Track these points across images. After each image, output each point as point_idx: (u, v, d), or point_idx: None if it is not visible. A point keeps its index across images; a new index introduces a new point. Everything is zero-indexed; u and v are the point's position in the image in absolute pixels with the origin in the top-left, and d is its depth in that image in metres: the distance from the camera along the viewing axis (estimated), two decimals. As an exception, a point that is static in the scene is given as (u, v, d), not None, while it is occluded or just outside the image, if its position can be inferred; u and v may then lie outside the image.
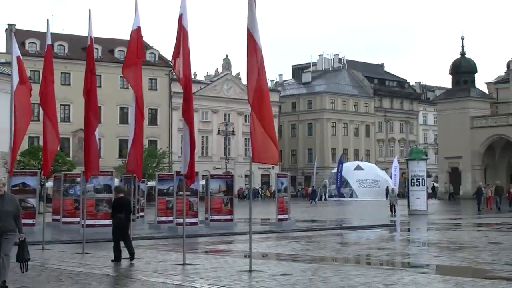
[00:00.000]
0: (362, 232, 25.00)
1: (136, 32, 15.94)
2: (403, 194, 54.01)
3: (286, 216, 26.67)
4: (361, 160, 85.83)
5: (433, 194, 65.91)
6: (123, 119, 67.76)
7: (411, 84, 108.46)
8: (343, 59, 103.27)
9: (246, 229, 15.33)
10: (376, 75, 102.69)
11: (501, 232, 24.11)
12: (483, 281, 11.55)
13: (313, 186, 71.28)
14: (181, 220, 16.75)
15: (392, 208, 36.29)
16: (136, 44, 15.89)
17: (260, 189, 79.90)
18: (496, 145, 66.35)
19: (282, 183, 27.17)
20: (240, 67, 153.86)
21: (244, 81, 66.61)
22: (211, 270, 13.06)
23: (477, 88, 70.63)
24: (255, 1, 12.95)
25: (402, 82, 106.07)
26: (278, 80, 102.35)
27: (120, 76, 70.28)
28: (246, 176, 75.79)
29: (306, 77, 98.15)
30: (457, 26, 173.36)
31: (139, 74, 16.16)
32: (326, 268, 13.63)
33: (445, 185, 70.07)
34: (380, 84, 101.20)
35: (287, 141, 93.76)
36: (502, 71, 75.61)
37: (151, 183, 41.27)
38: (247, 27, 12.98)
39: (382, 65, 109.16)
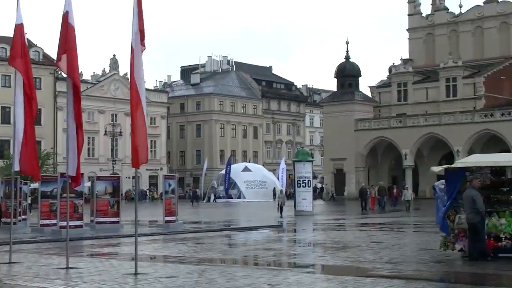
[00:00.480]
0: (250, 233, 25.21)
1: (19, 28, 15.31)
2: (290, 195, 54.89)
3: (173, 218, 26.49)
4: (249, 162, 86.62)
5: (318, 195, 67.44)
6: (5, 119, 65.41)
7: (298, 86, 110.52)
8: (232, 61, 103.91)
9: (132, 232, 15.11)
10: (264, 77, 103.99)
11: (383, 231, 24.94)
12: (365, 279, 11.89)
13: (195, 188, 71.54)
14: (65, 223, 16.30)
15: (281, 209, 36.78)
16: (20, 39, 15.23)
17: (148, 191, 79.10)
18: (378, 147, 68.65)
19: (169, 185, 26.97)
20: (128, 67, 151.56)
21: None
22: (95, 274, 12.77)
23: (361, 92, 72.84)
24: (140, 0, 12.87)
25: (289, 85, 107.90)
26: (166, 81, 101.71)
27: (3, 75, 67.70)
28: (133, 177, 74.82)
29: (195, 78, 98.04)
30: (342, 31, 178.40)
31: (29, 67, 15.36)
32: (213, 269, 13.64)
33: (326, 186, 71.98)
34: (268, 86, 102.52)
35: (175, 142, 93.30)
36: (384, 75, 78.46)
37: (35, 185, 39.99)
38: (132, 27, 12.87)
39: (270, 68, 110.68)
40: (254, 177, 73.32)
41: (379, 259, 15.12)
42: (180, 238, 22.37)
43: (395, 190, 47.38)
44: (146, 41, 13.03)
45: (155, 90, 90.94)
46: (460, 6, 76.43)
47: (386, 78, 76.12)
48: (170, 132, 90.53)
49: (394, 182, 65.29)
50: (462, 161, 17.68)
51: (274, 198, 66.88)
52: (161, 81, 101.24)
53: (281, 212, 36.50)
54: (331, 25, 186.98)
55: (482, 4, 72.14)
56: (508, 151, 56.29)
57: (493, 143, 60.27)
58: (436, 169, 16.68)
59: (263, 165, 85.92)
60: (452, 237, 15.58)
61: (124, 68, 79.80)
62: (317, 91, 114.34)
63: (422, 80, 70.89)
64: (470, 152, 58.87)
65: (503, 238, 14.83)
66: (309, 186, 38.66)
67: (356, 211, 41.74)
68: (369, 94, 74.16)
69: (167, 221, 26.10)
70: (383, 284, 11.31)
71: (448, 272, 13.54)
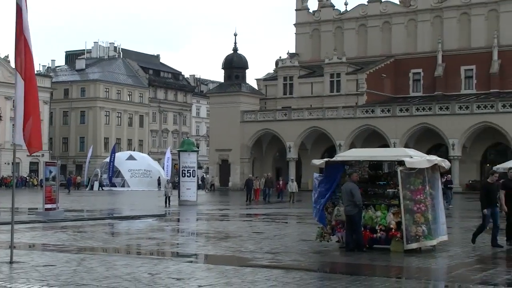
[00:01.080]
0: (132, 222, 24.98)
1: None
2: (175, 184, 54.70)
3: (54, 206, 25.85)
4: (134, 150, 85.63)
5: (203, 185, 67.67)
6: None
7: (185, 76, 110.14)
8: (119, 48, 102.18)
9: (9, 219, 14.61)
10: (152, 66, 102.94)
11: (265, 222, 25.35)
12: (245, 269, 12.08)
13: (69, 175, 70.24)
14: None
15: (168, 199, 36.57)
16: None
17: (28, 178, 76.68)
18: (263, 139, 69.56)
19: (50, 172, 26.29)
20: (9, 49, 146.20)
21: (13, 64, 63.45)
22: (-33, 263, 12.30)
23: (248, 84, 73.50)
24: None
25: (176, 74, 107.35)
26: (50, 65, 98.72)
27: None
28: (13, 163, 72.26)
29: (80, 64, 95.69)
30: (231, 23, 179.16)
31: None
32: (92, 258, 13.45)
33: (207, 176, 72.31)
34: (155, 75, 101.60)
35: (58, 128, 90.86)
36: (271, 68, 79.48)
37: None
38: (16, 7, 12.47)
39: (157, 56, 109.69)
40: (139, 166, 72.54)
41: (259, 249, 15.37)
42: (60, 226, 21.88)
43: (281, 182, 48.17)
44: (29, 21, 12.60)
45: (38, 74, 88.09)
46: (346, 4, 78.49)
47: (272, 72, 77.15)
48: (52, 118, 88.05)
49: (278, 173, 66.42)
50: (341, 155, 18.21)
51: (159, 187, 66.60)
52: (45, 66, 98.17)
53: (168, 202, 36.28)
54: (220, 16, 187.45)
55: (366, 3, 74.37)
56: (387, 146, 58.55)
57: (374, 138, 62.44)
58: (317, 162, 17.09)
59: (148, 154, 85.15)
60: (329, 228, 16.07)
61: (5, 50, 76.83)
62: (205, 82, 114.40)
63: (308, 75, 72.35)
64: (352, 146, 60.75)
65: (378, 230, 15.43)
66: (194, 176, 38.67)
67: (240, 202, 42.17)
68: (256, 86, 74.94)
69: (47, 209, 25.43)
70: (263, 273, 11.53)
71: (325, 263, 13.96)
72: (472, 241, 16.46)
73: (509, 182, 16.31)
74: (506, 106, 56.29)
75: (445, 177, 35.40)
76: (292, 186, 43.10)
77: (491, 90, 65.54)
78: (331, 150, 62.20)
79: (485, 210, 16.13)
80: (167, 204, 36.01)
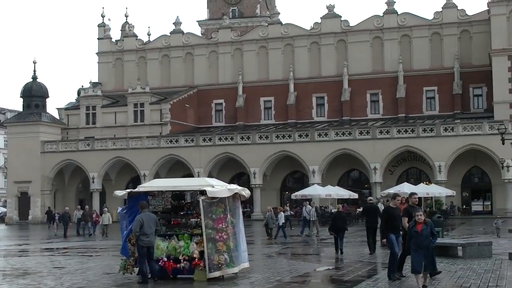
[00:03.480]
0: None
1: None
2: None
3: None
4: None
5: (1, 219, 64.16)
6: None
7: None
8: None
9: None
10: None
11: (67, 256, 24.60)
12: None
13: None
14: None
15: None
16: None
17: None
18: (66, 170, 67.54)
19: None
20: None
21: None
22: None
23: (49, 113, 71.15)
24: None
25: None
26: None
27: None
28: None
29: None
30: (30, 50, 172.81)
31: None
32: None
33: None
34: None
35: None
36: (73, 97, 77.68)
37: None
38: None
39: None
40: None
41: (60, 285, 14.92)
42: None
43: (94, 215, 46.02)
44: None
45: None
46: (149, 34, 78.79)
47: (75, 101, 75.38)
48: None
49: (81, 205, 64.63)
50: (144, 185, 18.25)
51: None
52: None
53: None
54: (19, 43, 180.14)
55: (169, 34, 75.20)
56: (191, 175, 59.24)
57: (178, 167, 62.91)
58: (120, 193, 17.00)
59: None
60: (132, 260, 15.98)
61: None
62: (2, 111, 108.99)
63: (111, 104, 71.52)
64: (156, 176, 60.82)
65: (182, 260, 15.60)
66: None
67: (41, 236, 40.50)
68: (57, 116, 72.74)
69: None
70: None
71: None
72: (393, 277, 15.08)
73: (411, 209, 15.09)
74: (302, 136, 59.21)
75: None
76: (105, 218, 41.02)
77: (289, 121, 68.71)
78: (136, 180, 61.77)
79: (392, 236, 15.51)
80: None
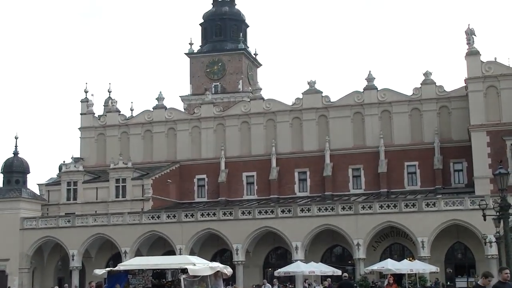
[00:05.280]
0: None
1: None
2: None
3: None
4: None
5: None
6: None
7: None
8: None
9: None
10: None
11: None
12: None
13: None
14: None
15: None
16: None
17: None
18: (45, 247, 66.52)
19: None
20: None
21: None
22: None
23: (29, 189, 70.59)
24: None
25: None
26: None
27: None
28: None
29: None
30: (12, 125, 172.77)
31: None
32: None
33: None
34: None
35: None
36: (54, 173, 77.12)
37: None
38: None
39: None
40: None
41: None
42: None
43: None
44: None
45: None
46: (132, 110, 79.22)
47: (56, 176, 74.93)
48: None
49: (60, 284, 63.47)
50: (124, 264, 17.96)
51: None
52: None
53: None
54: None
55: (152, 110, 75.57)
56: (173, 252, 58.56)
57: (160, 244, 62.25)
58: (99, 271, 16.73)
59: None
60: None
61: None
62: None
63: (93, 180, 71.14)
64: (137, 253, 59.99)
65: None
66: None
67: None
68: (37, 191, 72.14)
69: None
70: None
71: None
72: None
73: (501, 285, 14.21)
74: (284, 211, 59.00)
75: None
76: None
77: (271, 196, 68.61)
78: (117, 257, 60.91)
79: None
80: None
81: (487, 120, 60.32)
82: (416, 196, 59.74)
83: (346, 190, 67.45)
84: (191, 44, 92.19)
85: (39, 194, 71.65)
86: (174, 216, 62.02)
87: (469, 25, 62.77)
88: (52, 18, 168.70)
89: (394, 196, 61.48)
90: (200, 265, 16.20)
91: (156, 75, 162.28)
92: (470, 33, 62.13)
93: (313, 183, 68.92)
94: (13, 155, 70.16)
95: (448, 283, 57.67)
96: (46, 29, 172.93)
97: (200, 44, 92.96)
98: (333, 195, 66.29)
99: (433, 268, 48.79)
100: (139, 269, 16.63)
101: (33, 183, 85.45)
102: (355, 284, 37.39)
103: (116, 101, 78.53)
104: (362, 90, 69.22)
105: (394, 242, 59.95)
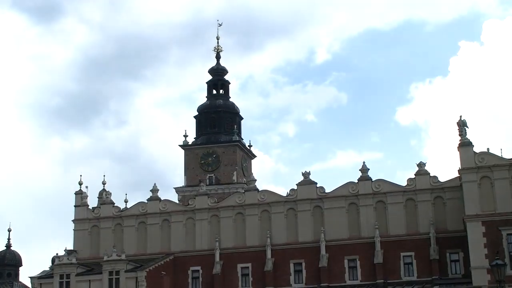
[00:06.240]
0: None
1: None
2: None
3: None
4: None
5: None
6: None
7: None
8: None
9: None
10: None
11: None
12: None
13: None
14: None
15: None
16: None
17: None
18: None
19: None
20: None
21: None
22: None
23: (21, 282, 69.72)
24: None
25: None
26: None
27: None
28: None
29: None
30: (4, 217, 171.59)
31: None
32: None
33: None
34: None
35: None
36: (47, 266, 76.18)
37: None
38: None
39: None
40: None
41: None
42: None
43: None
44: None
45: None
46: (126, 201, 79.10)
47: (49, 269, 74.02)
48: None
49: None
50: None
51: None
52: None
53: None
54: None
55: (146, 201, 75.54)
56: None
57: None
58: None
59: None
60: None
61: None
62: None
63: (86, 272, 70.23)
64: None
65: None
66: None
67: None
68: (29, 284, 71.12)
69: None
70: None
71: None
72: None
73: None
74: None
75: None
76: None
77: (267, 287, 67.77)
78: None
79: None
80: None
81: (482, 210, 60.43)
82: (413, 287, 59.17)
83: (342, 281, 66.75)
84: (185, 136, 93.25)
85: (31, 287, 70.63)
86: (168, 309, 61.00)
87: (460, 116, 63.87)
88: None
89: (391, 287, 60.78)
90: None
91: (150, 166, 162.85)
92: (462, 125, 63.07)
93: (308, 274, 68.22)
94: (5, 247, 69.62)
95: None
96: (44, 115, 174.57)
97: (195, 136, 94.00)
98: (329, 287, 65.54)
99: None
100: None
101: (25, 275, 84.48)
102: None
103: (111, 193, 78.46)
104: (356, 181, 69.54)
105: (392, 335, 58.89)
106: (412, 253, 66.11)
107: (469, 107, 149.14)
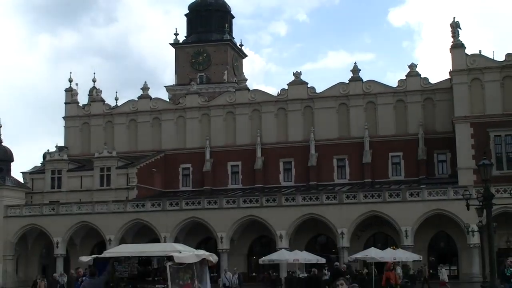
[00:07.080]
0: None
1: None
2: None
3: None
4: None
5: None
6: None
7: None
8: None
9: None
10: None
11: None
12: None
13: None
14: None
15: None
16: None
17: None
18: (29, 234, 66.40)
19: None
20: None
21: None
22: None
23: (13, 177, 70.33)
24: None
25: None
26: None
27: None
28: None
29: None
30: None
31: None
32: None
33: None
34: None
35: None
36: (39, 161, 76.83)
37: None
38: None
39: None
40: None
41: None
42: None
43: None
44: None
45: None
46: (116, 99, 78.97)
47: (40, 165, 74.67)
48: None
49: (44, 271, 63.47)
50: (110, 251, 18.08)
51: None
52: None
53: None
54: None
55: (137, 99, 75.47)
56: (158, 240, 58.62)
57: (145, 232, 62.22)
58: (85, 258, 16.84)
59: None
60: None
61: None
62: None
63: (77, 168, 70.99)
64: (122, 241, 60.01)
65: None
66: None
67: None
68: (21, 180, 71.88)
69: None
70: None
71: None
72: None
73: None
74: (269, 201, 59.24)
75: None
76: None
77: (256, 185, 68.74)
78: (101, 245, 60.86)
79: None
80: None
81: (471, 112, 60.79)
82: (400, 186, 60.15)
83: (331, 180, 67.77)
84: (176, 34, 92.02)
85: (23, 182, 71.42)
86: (158, 205, 62.09)
87: (454, 18, 63.38)
88: (40, 3, 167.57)
89: (378, 186, 61.88)
90: (186, 253, 16.34)
91: (141, 64, 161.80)
92: (455, 26, 62.52)
93: (298, 173, 69.17)
94: (-4, 143, 69.80)
95: (431, 271, 58.16)
96: (33, 16, 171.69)
97: (186, 34, 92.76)
98: (318, 185, 66.61)
99: (416, 257, 49.19)
100: (125, 257, 16.69)
101: (17, 171, 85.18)
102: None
103: (101, 91, 78.37)
104: (347, 82, 69.44)
105: (378, 231, 60.36)
106: (401, 153, 66.92)
107: (462, 9, 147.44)
